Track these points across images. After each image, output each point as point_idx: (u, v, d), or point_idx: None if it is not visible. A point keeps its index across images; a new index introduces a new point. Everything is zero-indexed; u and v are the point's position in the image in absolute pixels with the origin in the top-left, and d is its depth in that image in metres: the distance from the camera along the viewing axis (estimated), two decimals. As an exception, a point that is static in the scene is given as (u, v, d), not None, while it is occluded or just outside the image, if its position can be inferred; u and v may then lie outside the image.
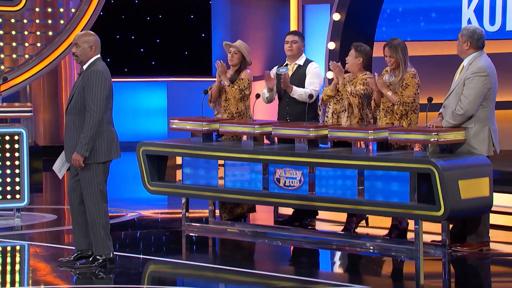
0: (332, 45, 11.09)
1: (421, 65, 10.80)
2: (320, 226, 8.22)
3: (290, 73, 8.11)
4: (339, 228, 8.01)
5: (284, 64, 8.19)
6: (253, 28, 13.66)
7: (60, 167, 6.74)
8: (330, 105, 7.80)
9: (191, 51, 14.71)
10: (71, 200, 6.74)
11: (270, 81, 8.08)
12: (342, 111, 7.71)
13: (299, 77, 8.07)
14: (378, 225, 7.90)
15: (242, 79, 8.14)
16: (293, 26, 12.93)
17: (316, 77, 8.03)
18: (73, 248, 6.85)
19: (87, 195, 6.58)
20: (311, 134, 7.33)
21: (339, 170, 7.10)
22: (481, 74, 7.07)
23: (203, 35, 14.64)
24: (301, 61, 8.13)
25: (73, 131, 6.56)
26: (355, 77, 7.69)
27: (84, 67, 6.56)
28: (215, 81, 8.31)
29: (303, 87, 8.01)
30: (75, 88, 6.57)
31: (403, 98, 7.39)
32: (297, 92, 8.00)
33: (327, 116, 7.84)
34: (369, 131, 7.06)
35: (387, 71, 7.56)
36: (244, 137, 7.71)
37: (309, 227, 8.19)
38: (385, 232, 7.67)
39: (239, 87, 8.09)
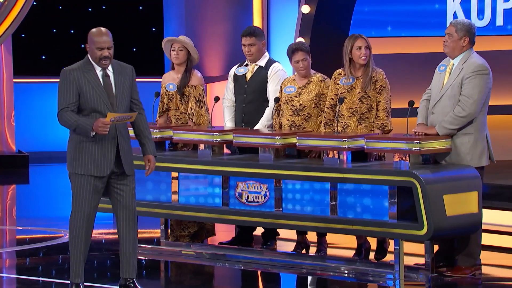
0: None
1: (403, 64, 10.87)
2: (286, 247, 8.16)
3: (249, 74, 8.06)
4: (310, 250, 7.97)
5: (244, 64, 8.14)
6: (211, 21, 13.69)
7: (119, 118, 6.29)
8: None
9: (140, 48, 14.65)
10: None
11: None
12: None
13: (260, 80, 8.01)
14: (345, 245, 7.95)
15: (195, 87, 8.08)
16: (257, 20, 12.98)
17: (280, 83, 7.94)
18: (10, 275, 6.96)
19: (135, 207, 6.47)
20: (277, 143, 7.31)
21: (309, 184, 7.11)
22: (484, 72, 7.05)
23: (154, 29, 14.59)
24: (262, 62, 8.07)
25: (126, 136, 6.41)
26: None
27: (110, 66, 6.63)
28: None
29: (265, 90, 7.94)
30: (120, 86, 6.53)
31: (381, 105, 7.40)
32: (263, 123, 7.84)
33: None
34: (343, 140, 7.04)
35: (340, 73, 7.59)
36: (201, 146, 7.67)
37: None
38: (352, 252, 7.66)
39: (195, 97, 8.03)
